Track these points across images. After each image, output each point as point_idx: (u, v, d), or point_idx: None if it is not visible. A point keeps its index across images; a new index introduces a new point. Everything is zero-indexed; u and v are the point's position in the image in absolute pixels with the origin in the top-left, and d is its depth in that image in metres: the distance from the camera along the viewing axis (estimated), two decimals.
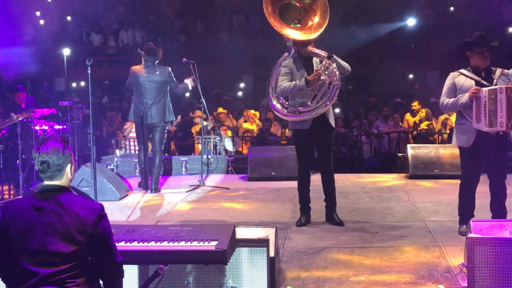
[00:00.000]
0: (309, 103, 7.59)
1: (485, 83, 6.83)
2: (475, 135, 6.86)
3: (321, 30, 7.77)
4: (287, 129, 13.89)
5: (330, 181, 7.87)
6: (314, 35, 7.74)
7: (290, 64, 7.76)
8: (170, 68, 10.36)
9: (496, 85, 6.79)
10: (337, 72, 7.59)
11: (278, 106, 7.94)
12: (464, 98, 6.82)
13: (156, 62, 10.29)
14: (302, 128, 7.71)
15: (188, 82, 10.62)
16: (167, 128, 10.85)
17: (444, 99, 7.05)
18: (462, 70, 7.02)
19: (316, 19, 7.85)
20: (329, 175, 7.87)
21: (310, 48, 7.68)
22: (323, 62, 7.61)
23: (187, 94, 18.45)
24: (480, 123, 6.73)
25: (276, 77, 7.97)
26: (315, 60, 7.76)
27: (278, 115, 8.24)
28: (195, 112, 16.60)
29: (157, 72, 10.23)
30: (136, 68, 10.32)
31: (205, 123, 13.49)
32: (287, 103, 7.86)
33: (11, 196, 10.15)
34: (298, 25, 7.93)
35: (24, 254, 3.48)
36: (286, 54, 8.12)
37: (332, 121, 7.78)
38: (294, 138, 8.14)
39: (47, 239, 3.46)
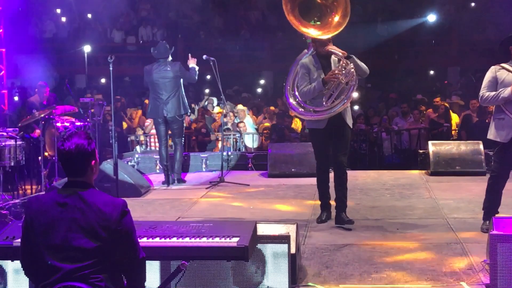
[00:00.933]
0: (324, 103, 7.48)
1: None
2: None
3: (340, 29, 7.65)
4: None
5: (342, 181, 7.67)
6: (332, 34, 7.62)
7: (307, 63, 7.62)
8: (180, 63, 10.73)
9: None
10: (354, 72, 7.45)
11: (295, 104, 7.83)
12: (506, 92, 6.75)
13: (168, 59, 10.55)
14: (317, 127, 7.61)
15: (193, 64, 10.86)
16: (184, 122, 11.14)
17: (485, 92, 6.97)
18: (503, 64, 6.96)
19: (337, 17, 7.70)
20: (342, 174, 7.67)
21: (328, 47, 7.54)
22: (341, 62, 7.49)
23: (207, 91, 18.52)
24: None
25: (294, 75, 7.86)
26: (333, 58, 7.61)
27: (295, 113, 8.17)
28: (214, 108, 16.65)
29: (168, 68, 10.53)
30: (149, 66, 10.68)
31: (225, 119, 13.52)
32: (303, 101, 7.74)
33: (34, 193, 10.22)
34: (318, 23, 7.79)
35: (48, 249, 3.51)
36: (306, 51, 7.98)
37: (349, 121, 7.64)
38: (310, 137, 8.05)
39: (71, 235, 3.49)
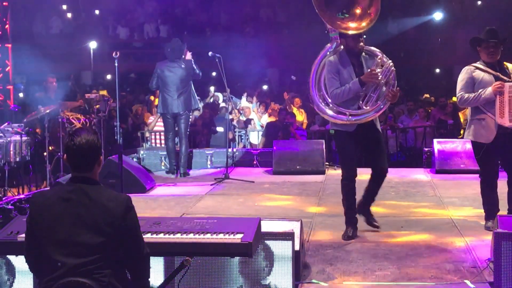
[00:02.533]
0: (363, 106, 6.80)
1: (505, 78, 6.77)
2: (496, 131, 6.79)
3: (373, 19, 7.04)
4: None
5: (378, 184, 7.09)
6: (364, 24, 7.00)
7: (335, 62, 6.87)
8: (192, 60, 11.01)
9: None
10: (394, 71, 6.86)
11: (323, 105, 7.05)
12: (487, 92, 6.74)
13: (182, 57, 10.82)
14: (346, 130, 6.87)
15: (189, 57, 11.08)
16: (191, 117, 11.66)
17: (463, 94, 6.92)
18: (476, 64, 6.96)
19: (367, 8, 7.08)
20: (381, 179, 7.06)
21: (363, 44, 6.88)
22: (377, 59, 6.84)
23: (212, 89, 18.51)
24: (503, 118, 6.67)
25: (319, 73, 7.12)
26: (364, 56, 6.92)
27: (324, 116, 7.29)
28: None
29: (182, 66, 10.84)
30: (162, 63, 10.94)
31: (230, 116, 13.51)
32: (335, 103, 6.95)
33: (39, 188, 10.23)
34: (346, 15, 7.11)
35: (52, 244, 3.52)
36: (329, 45, 7.21)
37: (378, 124, 7.03)
38: (337, 140, 7.21)
39: (75, 230, 3.49)
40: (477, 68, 6.93)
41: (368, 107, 6.80)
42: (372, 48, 6.97)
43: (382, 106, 6.86)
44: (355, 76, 6.80)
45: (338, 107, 6.90)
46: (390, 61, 6.88)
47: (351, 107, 6.84)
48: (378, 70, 6.79)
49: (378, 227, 7.10)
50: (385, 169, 7.00)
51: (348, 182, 7.01)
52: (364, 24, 6.99)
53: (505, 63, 7.00)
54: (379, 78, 6.76)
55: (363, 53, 6.93)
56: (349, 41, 6.89)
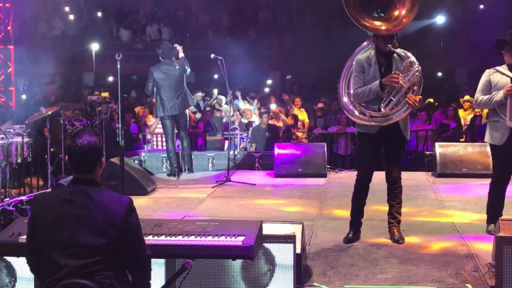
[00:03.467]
0: (382, 109, 6.67)
1: None
2: (508, 133, 6.79)
3: (405, 26, 6.94)
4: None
5: (395, 195, 7.02)
6: (397, 29, 6.85)
7: (363, 61, 6.81)
8: (183, 57, 11.30)
9: None
10: (419, 76, 6.68)
11: (349, 104, 6.95)
12: (498, 95, 6.76)
13: (173, 58, 11.01)
14: (368, 132, 6.81)
15: (181, 53, 11.34)
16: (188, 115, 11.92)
17: (479, 96, 6.98)
18: (498, 67, 6.96)
19: (403, 11, 6.92)
20: (395, 189, 7.03)
21: (392, 46, 6.69)
22: (404, 62, 6.67)
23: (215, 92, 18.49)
24: None
25: (349, 71, 7.06)
26: (396, 57, 6.75)
27: (348, 115, 7.23)
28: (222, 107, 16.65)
29: (176, 67, 11.06)
30: (155, 67, 11.12)
31: (232, 118, 13.51)
32: (358, 103, 6.89)
33: (40, 189, 10.24)
34: (382, 15, 6.96)
35: (53, 246, 3.51)
36: (365, 43, 7.18)
37: (405, 132, 6.83)
38: (358, 141, 7.22)
39: (77, 232, 3.49)
40: (497, 71, 6.93)
41: (387, 110, 6.67)
42: (404, 51, 6.78)
43: (402, 111, 6.67)
44: (380, 77, 6.68)
45: (361, 107, 6.82)
46: (418, 66, 6.68)
47: (372, 108, 6.74)
48: (398, 75, 6.60)
49: (397, 243, 6.87)
50: (394, 179, 6.97)
51: (358, 186, 7.02)
52: (391, 26, 6.83)
53: None
54: (400, 83, 6.59)
55: (395, 55, 6.75)
56: (379, 41, 6.75)
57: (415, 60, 6.70)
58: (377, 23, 6.87)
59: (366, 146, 6.91)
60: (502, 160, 6.96)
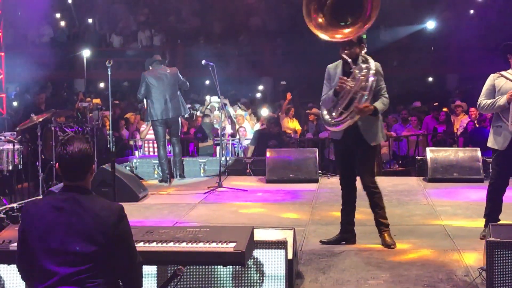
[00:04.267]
0: (333, 114, 6.84)
1: None
2: (510, 138, 6.82)
3: (349, 35, 6.88)
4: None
5: (374, 202, 7.02)
6: (339, 37, 6.87)
7: (331, 68, 7.00)
8: (176, 68, 11.47)
9: None
10: (364, 80, 6.65)
11: (325, 112, 7.03)
12: (502, 100, 6.79)
13: (165, 63, 11.10)
14: (334, 137, 7.03)
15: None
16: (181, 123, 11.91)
17: (482, 100, 7.01)
18: (503, 72, 6.98)
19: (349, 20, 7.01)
20: (371, 196, 7.00)
21: (348, 53, 6.78)
22: (355, 68, 6.71)
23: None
24: None
25: None
26: (359, 65, 6.75)
27: (323, 122, 7.28)
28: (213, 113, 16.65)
29: (168, 71, 11.16)
30: (149, 72, 11.21)
31: (223, 124, 13.52)
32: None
33: (31, 197, 10.21)
34: (348, 23, 7.03)
35: (45, 253, 3.50)
36: None
37: (368, 137, 6.79)
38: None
39: (68, 239, 3.48)
40: (502, 75, 6.96)
41: (336, 116, 6.79)
42: (367, 57, 6.81)
43: (349, 118, 6.68)
44: None
45: (328, 114, 6.93)
46: (367, 72, 6.67)
47: (332, 114, 6.87)
48: (345, 79, 6.67)
49: (388, 248, 6.88)
50: (365, 186, 6.96)
51: (341, 188, 7.15)
52: (340, 35, 6.90)
53: None
54: (347, 86, 6.65)
55: (361, 63, 6.77)
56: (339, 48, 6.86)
57: (370, 66, 6.72)
58: (319, 30, 6.99)
59: (336, 152, 7.27)
60: (503, 165, 6.97)
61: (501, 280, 5.15)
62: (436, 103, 16.16)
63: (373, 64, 6.76)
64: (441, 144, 13.85)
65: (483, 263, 5.54)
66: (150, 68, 11.28)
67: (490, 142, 7.07)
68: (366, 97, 6.66)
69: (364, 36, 7.34)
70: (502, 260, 5.15)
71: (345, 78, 6.70)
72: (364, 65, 6.72)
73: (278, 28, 23.77)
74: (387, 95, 6.87)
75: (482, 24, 22.11)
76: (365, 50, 7.03)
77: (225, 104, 16.41)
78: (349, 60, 6.74)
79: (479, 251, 6.18)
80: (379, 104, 6.76)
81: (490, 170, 7.32)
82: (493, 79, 7.01)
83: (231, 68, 21.61)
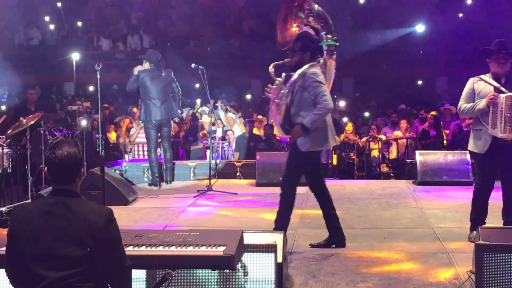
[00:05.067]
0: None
1: (504, 89, 6.84)
2: (490, 141, 6.85)
3: (281, 42, 7.39)
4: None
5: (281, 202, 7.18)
6: (283, 45, 7.36)
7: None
8: (171, 70, 11.35)
9: None
10: (275, 87, 7.05)
11: None
12: (481, 103, 6.82)
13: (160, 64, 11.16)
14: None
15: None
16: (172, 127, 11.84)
17: (462, 104, 7.05)
18: (482, 76, 7.02)
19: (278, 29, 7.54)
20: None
21: (290, 61, 7.08)
22: (281, 77, 7.06)
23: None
24: (495, 129, 6.75)
25: None
26: (303, 72, 6.94)
27: None
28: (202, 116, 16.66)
29: (163, 74, 11.07)
30: (145, 71, 11.06)
31: (213, 127, 13.52)
32: None
33: (20, 200, 10.17)
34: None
35: (33, 258, 3.49)
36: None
37: (299, 141, 6.91)
38: None
39: (56, 243, 3.47)
40: (481, 79, 6.99)
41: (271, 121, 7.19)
42: (304, 66, 6.92)
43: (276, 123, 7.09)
44: None
45: None
46: (277, 80, 7.01)
47: None
48: (274, 86, 7.03)
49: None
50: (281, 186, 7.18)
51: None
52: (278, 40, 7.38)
53: None
54: (269, 96, 7.09)
55: (305, 68, 6.94)
56: None
57: (296, 73, 6.90)
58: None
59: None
60: (485, 168, 7.01)
61: (490, 283, 5.15)
62: (422, 109, 16.15)
63: (297, 73, 6.91)
64: (429, 147, 13.89)
65: (472, 266, 5.56)
66: (146, 63, 11.17)
67: (470, 146, 7.12)
68: (280, 103, 6.95)
69: (337, 44, 7.63)
70: (491, 263, 5.17)
71: (268, 86, 7.10)
72: (292, 74, 6.95)
73: (268, 31, 23.77)
74: (324, 99, 6.83)
75: (471, 27, 22.21)
76: (319, 59, 7.29)
77: (216, 107, 16.44)
78: (301, 68, 6.93)
79: (468, 254, 6.18)
80: (307, 120, 6.81)
81: (475, 175, 7.32)
82: (472, 83, 7.05)
83: (221, 72, 21.59)
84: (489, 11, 22.79)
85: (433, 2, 24.18)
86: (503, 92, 6.80)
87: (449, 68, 22.56)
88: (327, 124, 6.97)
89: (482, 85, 6.97)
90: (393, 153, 14.77)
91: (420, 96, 21.82)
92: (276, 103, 7.03)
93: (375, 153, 14.70)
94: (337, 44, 7.73)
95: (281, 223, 7.00)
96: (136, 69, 11.08)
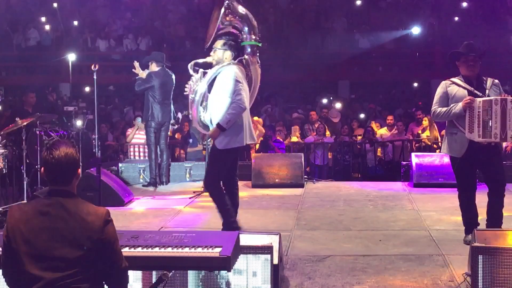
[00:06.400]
0: None
1: (478, 93, 6.84)
2: (467, 145, 6.86)
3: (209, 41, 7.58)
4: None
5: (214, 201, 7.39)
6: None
7: None
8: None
9: (488, 95, 6.82)
10: (190, 84, 7.33)
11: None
12: (457, 107, 6.82)
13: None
14: None
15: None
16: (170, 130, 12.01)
17: (436, 108, 7.03)
18: (454, 79, 7.04)
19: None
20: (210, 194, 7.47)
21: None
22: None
23: None
24: (473, 133, 6.74)
25: None
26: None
27: None
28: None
29: (172, 76, 11.21)
30: (157, 73, 11.09)
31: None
32: None
33: (16, 201, 10.15)
34: None
35: (30, 258, 3.48)
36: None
37: (217, 140, 7.15)
38: None
39: (53, 244, 3.47)
40: (454, 83, 7.00)
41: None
42: (230, 63, 7.22)
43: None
44: None
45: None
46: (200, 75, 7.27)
47: None
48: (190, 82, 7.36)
49: None
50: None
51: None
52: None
53: (485, 78, 7.05)
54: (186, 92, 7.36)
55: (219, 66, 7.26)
56: None
57: (213, 70, 7.23)
58: None
59: None
60: (464, 171, 7.02)
61: (485, 285, 5.17)
62: (418, 112, 16.17)
63: (214, 70, 7.22)
64: (424, 150, 13.91)
65: (468, 269, 5.58)
66: (152, 65, 11.12)
67: (445, 149, 7.12)
68: (195, 100, 7.23)
69: (259, 44, 7.79)
70: (486, 265, 5.18)
71: (189, 82, 7.37)
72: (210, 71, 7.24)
73: (264, 33, 23.77)
74: (238, 98, 7.04)
75: (466, 30, 22.23)
76: (241, 58, 7.50)
77: None
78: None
79: (464, 256, 6.20)
80: (222, 120, 7.04)
81: (456, 179, 7.30)
82: (445, 87, 7.05)
83: None
84: (485, 14, 22.82)
85: (429, 4, 24.21)
86: (477, 96, 6.81)
87: (445, 71, 22.57)
88: (243, 121, 7.15)
89: (455, 88, 6.96)
90: (388, 155, 14.80)
91: (416, 98, 21.84)
92: (192, 99, 7.24)
93: (370, 155, 14.72)
94: (260, 44, 7.83)
95: (225, 215, 7.29)
96: (143, 73, 11.02)
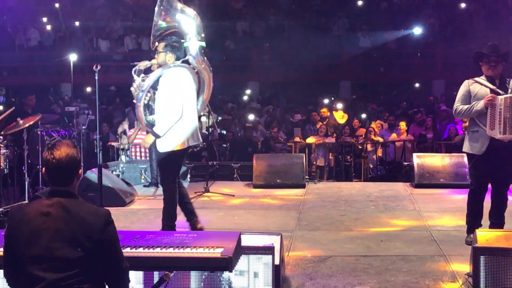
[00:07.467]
0: None
1: (500, 91, 6.86)
2: (488, 143, 6.86)
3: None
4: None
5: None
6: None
7: None
8: None
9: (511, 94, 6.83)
10: (132, 90, 7.19)
11: None
12: (479, 105, 6.84)
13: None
14: None
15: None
16: None
17: (458, 106, 7.07)
18: (477, 78, 7.06)
19: None
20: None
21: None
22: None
23: None
24: (494, 130, 6.77)
25: None
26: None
27: None
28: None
29: None
30: None
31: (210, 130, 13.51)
32: None
33: (17, 201, 10.15)
34: None
35: (31, 259, 3.48)
36: None
37: (157, 143, 7.15)
38: None
39: (54, 245, 3.46)
40: (476, 81, 7.02)
41: None
42: (175, 64, 7.14)
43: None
44: None
45: None
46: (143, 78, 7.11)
47: None
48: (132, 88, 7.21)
49: None
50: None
51: None
52: None
53: (508, 78, 7.06)
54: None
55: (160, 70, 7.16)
56: None
57: (154, 74, 7.08)
58: None
59: None
60: (482, 169, 7.02)
61: (487, 285, 5.16)
62: (419, 112, 16.17)
63: (155, 74, 7.06)
64: (426, 150, 13.89)
65: (470, 269, 5.57)
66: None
67: (466, 148, 7.14)
68: (137, 105, 7.07)
69: (203, 44, 7.59)
70: (488, 265, 5.17)
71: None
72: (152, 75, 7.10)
73: (265, 33, 23.79)
74: (174, 106, 6.97)
75: (468, 30, 22.23)
76: (187, 59, 7.32)
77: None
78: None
79: (465, 257, 6.19)
80: (157, 129, 7.03)
81: (470, 176, 7.33)
82: (468, 85, 7.08)
83: (218, 73, 21.59)
84: (487, 14, 22.81)
85: (430, 5, 24.21)
86: (499, 94, 6.83)
87: (446, 71, 22.58)
88: (185, 123, 7.04)
89: (477, 87, 7.00)
90: (390, 156, 14.78)
91: (417, 99, 21.84)
92: (134, 104, 7.17)
93: (372, 155, 14.70)
94: (204, 45, 7.66)
95: (168, 218, 7.39)
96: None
